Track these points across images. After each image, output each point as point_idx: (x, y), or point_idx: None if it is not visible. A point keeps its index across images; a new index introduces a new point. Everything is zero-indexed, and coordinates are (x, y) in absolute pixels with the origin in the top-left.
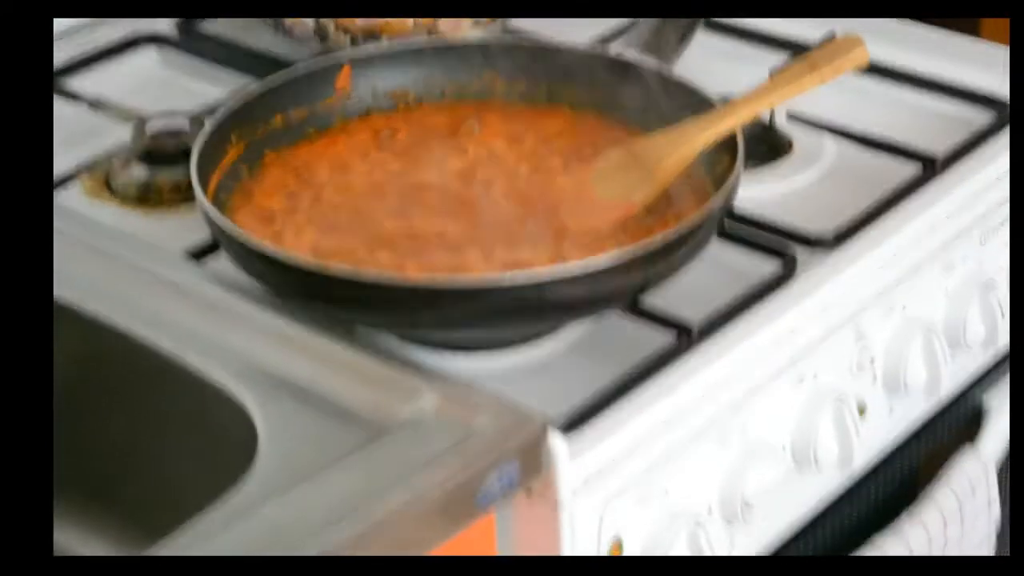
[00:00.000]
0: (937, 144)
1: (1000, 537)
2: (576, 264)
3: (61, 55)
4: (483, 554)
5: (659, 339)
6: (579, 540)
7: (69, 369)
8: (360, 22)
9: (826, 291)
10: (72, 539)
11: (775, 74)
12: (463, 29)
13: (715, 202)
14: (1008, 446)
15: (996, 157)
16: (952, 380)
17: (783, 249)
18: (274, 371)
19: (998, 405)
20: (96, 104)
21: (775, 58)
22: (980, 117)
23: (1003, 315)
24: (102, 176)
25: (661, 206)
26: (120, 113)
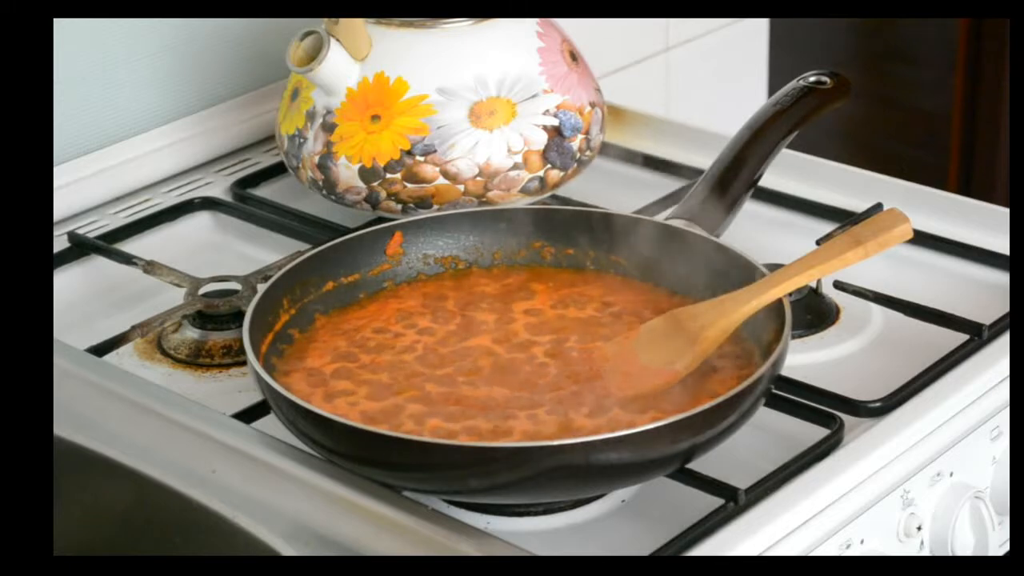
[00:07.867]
0: (983, 312)
1: None
2: (623, 430)
3: (117, 218)
4: None
5: (707, 503)
6: None
7: (120, 527)
8: (411, 188)
9: (874, 458)
10: None
11: (821, 245)
12: (513, 197)
13: (763, 371)
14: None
15: None
16: (1001, 548)
17: (831, 416)
18: (322, 532)
19: None
20: (150, 266)
21: (822, 227)
22: None
23: None
24: (154, 337)
25: (708, 373)
26: (173, 275)
